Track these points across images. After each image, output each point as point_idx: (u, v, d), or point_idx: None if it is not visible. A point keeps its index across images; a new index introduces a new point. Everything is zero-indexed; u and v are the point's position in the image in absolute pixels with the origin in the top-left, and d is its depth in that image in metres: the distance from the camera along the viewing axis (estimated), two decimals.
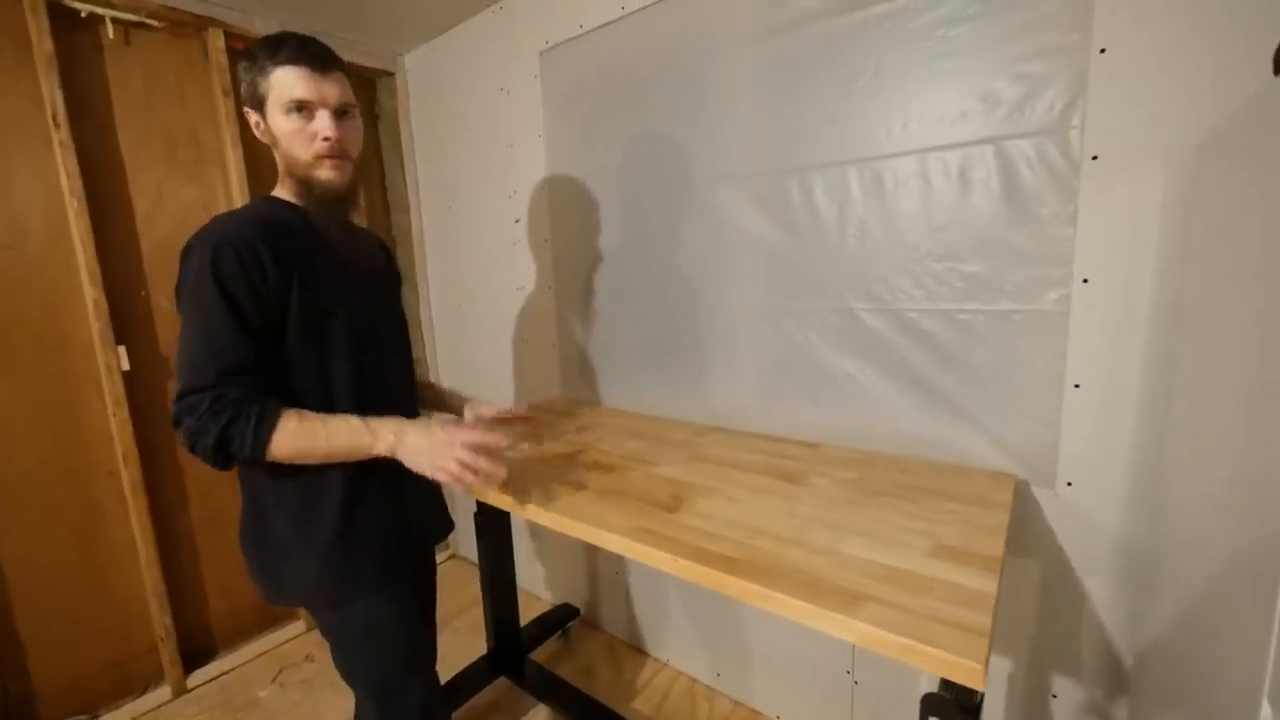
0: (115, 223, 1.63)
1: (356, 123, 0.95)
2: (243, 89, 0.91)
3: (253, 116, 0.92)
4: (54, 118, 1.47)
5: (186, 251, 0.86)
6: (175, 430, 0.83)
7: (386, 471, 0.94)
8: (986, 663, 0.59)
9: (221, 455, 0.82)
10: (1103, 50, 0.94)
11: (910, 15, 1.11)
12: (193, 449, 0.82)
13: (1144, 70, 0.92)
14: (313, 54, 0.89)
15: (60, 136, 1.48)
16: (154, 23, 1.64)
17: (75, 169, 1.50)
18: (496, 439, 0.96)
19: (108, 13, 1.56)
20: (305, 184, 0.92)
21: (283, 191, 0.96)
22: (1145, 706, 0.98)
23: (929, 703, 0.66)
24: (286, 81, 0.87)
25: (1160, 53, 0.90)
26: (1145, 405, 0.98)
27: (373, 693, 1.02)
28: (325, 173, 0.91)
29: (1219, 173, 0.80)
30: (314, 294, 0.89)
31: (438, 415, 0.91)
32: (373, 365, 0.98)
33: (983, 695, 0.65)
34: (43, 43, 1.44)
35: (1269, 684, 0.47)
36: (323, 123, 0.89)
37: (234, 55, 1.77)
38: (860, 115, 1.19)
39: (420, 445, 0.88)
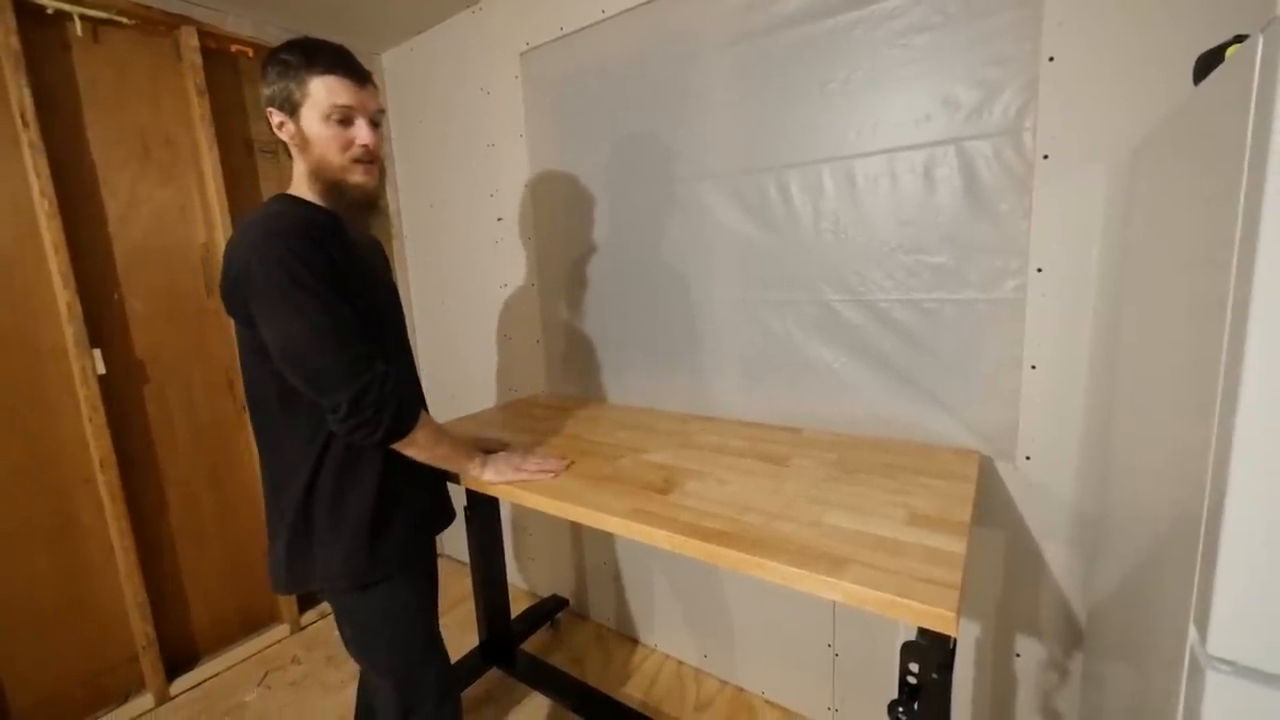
0: (87, 224, 1.60)
1: (383, 130, 0.98)
2: (270, 91, 0.92)
3: (276, 117, 0.92)
4: (22, 117, 1.43)
5: (246, 256, 0.85)
6: (338, 418, 0.87)
7: (414, 463, 1.00)
8: (959, 612, 0.66)
9: (395, 431, 0.92)
10: (1051, 59, 1.03)
11: (877, 23, 1.18)
12: (362, 425, 0.88)
13: (1088, 78, 1.01)
14: (351, 65, 0.93)
15: (30, 137, 1.44)
16: (124, 20, 1.61)
17: (46, 170, 1.47)
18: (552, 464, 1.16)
19: (75, 9, 1.53)
20: (337, 187, 0.94)
21: (305, 193, 0.96)
22: (1097, 658, 1.07)
23: (908, 650, 0.73)
24: (330, 89, 0.90)
25: (1102, 62, 0.99)
26: (1094, 384, 1.08)
27: (395, 672, 1.05)
28: (358, 177, 0.94)
29: (1152, 172, 0.88)
30: (357, 293, 0.92)
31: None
32: (394, 362, 1.01)
33: (955, 642, 0.72)
34: (8, 40, 1.41)
35: (1194, 610, 0.54)
36: (362, 131, 0.93)
37: (208, 54, 1.75)
38: (832, 117, 1.27)
39: (496, 469, 1.10)
